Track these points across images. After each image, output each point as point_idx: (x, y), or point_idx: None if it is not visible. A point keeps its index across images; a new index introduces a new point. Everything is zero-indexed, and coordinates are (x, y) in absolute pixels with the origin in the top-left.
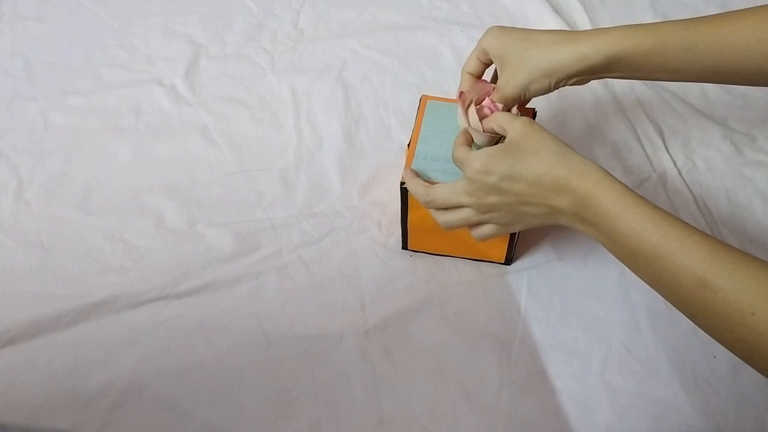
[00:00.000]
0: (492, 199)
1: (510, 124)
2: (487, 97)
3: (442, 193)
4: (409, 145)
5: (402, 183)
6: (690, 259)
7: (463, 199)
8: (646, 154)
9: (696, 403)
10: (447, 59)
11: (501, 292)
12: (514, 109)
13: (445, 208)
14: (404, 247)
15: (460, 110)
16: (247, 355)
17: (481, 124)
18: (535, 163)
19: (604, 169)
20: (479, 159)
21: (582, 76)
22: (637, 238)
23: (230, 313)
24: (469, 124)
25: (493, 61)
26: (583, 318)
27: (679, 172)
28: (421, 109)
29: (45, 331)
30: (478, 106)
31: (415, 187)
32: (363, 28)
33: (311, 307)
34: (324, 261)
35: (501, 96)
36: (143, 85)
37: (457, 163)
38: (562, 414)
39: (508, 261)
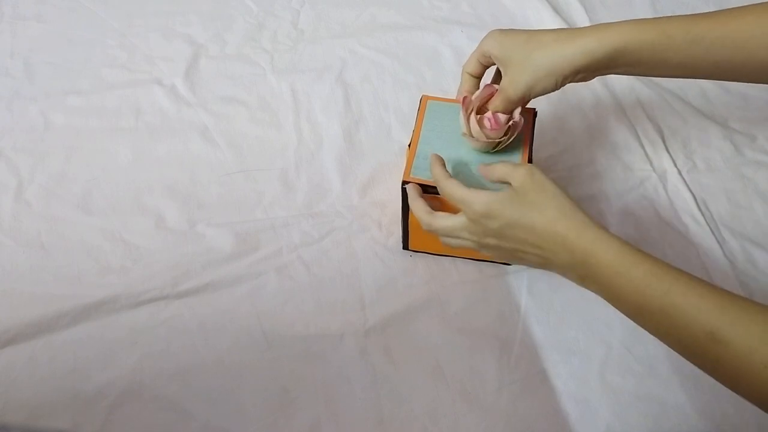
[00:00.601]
0: (491, 240)
1: (511, 174)
2: (490, 102)
3: (442, 227)
4: (409, 145)
5: (402, 183)
6: (697, 313)
7: (463, 235)
8: (646, 154)
9: (696, 403)
10: (447, 59)
11: (501, 292)
12: (516, 112)
13: None
14: (404, 247)
15: (462, 114)
16: (247, 355)
17: (483, 132)
18: (537, 219)
19: (602, 227)
20: (481, 203)
21: (587, 71)
22: (640, 296)
23: (230, 313)
24: (471, 133)
25: (496, 63)
26: (583, 318)
27: (679, 172)
28: (421, 109)
29: (45, 331)
30: (478, 117)
31: (417, 210)
32: (363, 28)
33: (311, 307)
34: (324, 261)
35: (505, 96)
36: (143, 85)
37: (455, 202)
38: (562, 414)
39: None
